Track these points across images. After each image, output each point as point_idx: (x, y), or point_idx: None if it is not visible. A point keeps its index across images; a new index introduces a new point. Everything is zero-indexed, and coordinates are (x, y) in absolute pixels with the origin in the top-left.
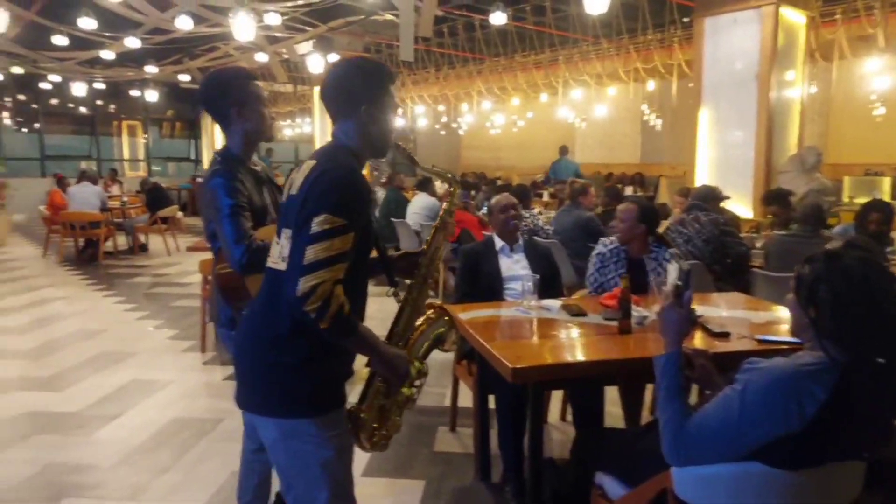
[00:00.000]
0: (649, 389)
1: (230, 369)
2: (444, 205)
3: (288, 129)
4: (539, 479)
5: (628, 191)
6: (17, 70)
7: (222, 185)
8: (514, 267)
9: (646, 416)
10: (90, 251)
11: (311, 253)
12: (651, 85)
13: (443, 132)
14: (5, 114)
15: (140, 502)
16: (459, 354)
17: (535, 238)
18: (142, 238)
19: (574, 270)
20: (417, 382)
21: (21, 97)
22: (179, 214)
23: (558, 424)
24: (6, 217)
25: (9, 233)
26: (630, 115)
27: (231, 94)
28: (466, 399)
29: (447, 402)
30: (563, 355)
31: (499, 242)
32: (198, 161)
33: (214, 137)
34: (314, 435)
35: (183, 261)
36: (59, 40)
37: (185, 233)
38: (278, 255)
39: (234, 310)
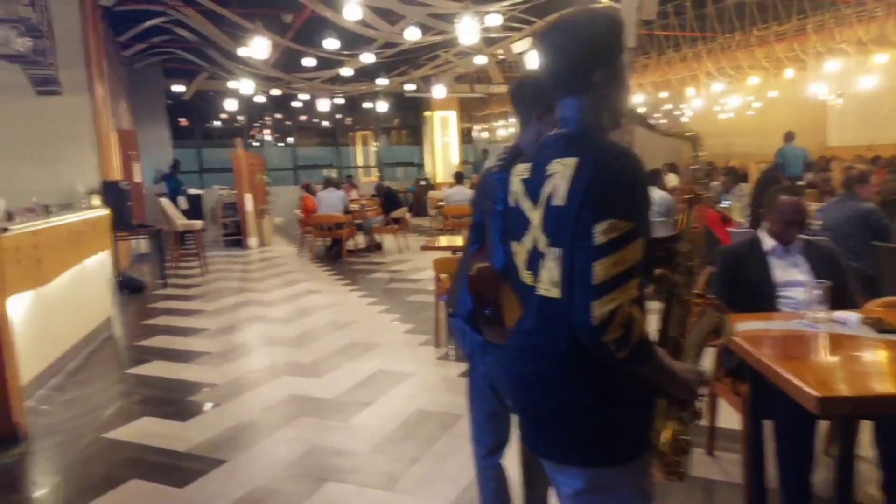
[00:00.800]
0: None
1: (465, 365)
2: (691, 172)
3: (502, 130)
4: None
5: None
6: (276, 92)
7: (504, 179)
8: (792, 271)
9: None
10: (336, 249)
11: (601, 270)
12: None
13: (663, 120)
14: (266, 131)
15: (394, 492)
16: (722, 370)
17: (813, 237)
18: (376, 237)
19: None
20: (702, 393)
21: (278, 115)
22: (408, 215)
23: None
24: (270, 220)
25: (272, 233)
26: None
27: (542, 99)
28: (725, 419)
29: (701, 421)
30: (882, 384)
31: (768, 242)
32: (420, 165)
33: (435, 143)
34: (627, 484)
35: (413, 258)
36: (308, 62)
37: (412, 232)
38: (548, 281)
39: (479, 308)
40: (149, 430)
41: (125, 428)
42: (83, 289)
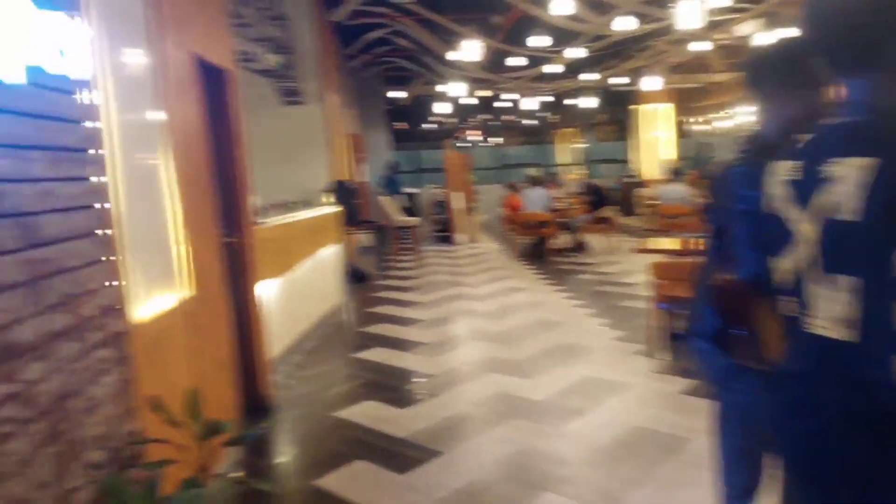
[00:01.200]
0: None
1: (687, 382)
2: None
3: (721, 122)
4: None
5: None
6: (483, 93)
7: (747, 174)
8: None
9: None
10: (540, 247)
11: None
12: None
13: None
14: (474, 131)
15: None
16: None
17: None
18: (582, 237)
19: None
20: None
21: (484, 116)
22: (617, 214)
23: None
24: (478, 217)
25: (479, 230)
26: None
27: (787, 77)
28: None
29: None
30: None
31: None
32: (624, 161)
33: (643, 137)
34: None
35: (623, 260)
36: (514, 61)
37: (619, 232)
38: (829, 317)
39: (725, 327)
40: (371, 414)
41: (351, 409)
42: (319, 277)
